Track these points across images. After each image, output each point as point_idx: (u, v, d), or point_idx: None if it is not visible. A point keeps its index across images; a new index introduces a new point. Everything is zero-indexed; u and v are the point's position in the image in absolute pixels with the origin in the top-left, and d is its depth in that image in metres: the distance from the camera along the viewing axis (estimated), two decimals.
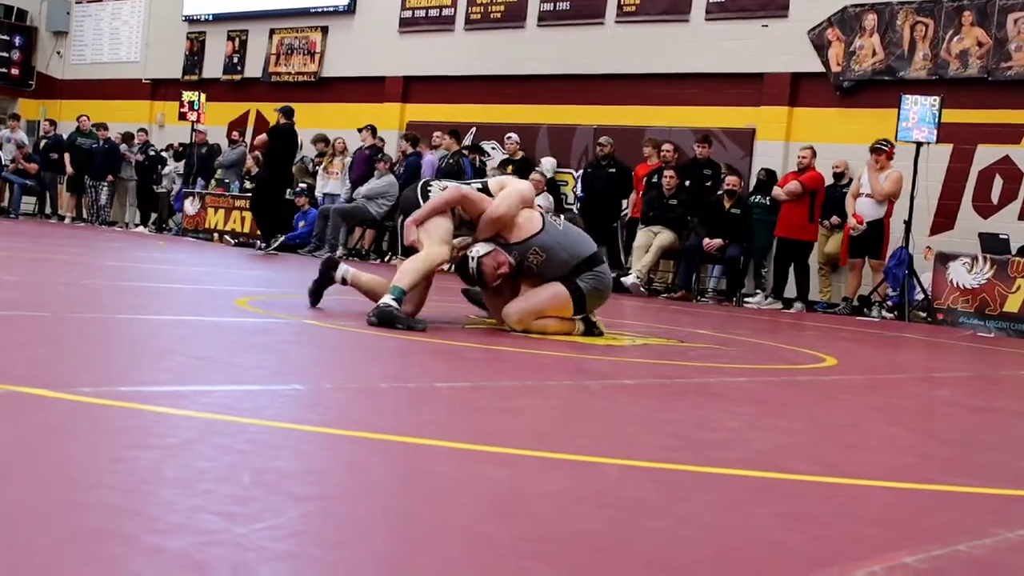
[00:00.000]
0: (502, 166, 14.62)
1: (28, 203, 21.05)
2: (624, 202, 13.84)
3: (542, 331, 5.66)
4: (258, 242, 14.87)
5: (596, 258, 5.89)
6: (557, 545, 1.80)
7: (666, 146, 13.32)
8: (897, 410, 4.39)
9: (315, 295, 6.00)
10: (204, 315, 5.46)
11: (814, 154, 12.25)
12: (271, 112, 19.48)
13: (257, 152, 15.77)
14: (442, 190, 5.79)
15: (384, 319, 5.24)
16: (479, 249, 5.70)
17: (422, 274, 5.58)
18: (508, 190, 5.84)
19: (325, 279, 5.98)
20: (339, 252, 15.17)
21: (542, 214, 5.92)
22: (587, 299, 5.74)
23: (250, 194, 15.65)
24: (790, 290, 12.38)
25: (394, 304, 5.32)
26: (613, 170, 13.62)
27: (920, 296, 11.60)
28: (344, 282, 5.99)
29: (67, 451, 2.15)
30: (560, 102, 15.63)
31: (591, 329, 5.73)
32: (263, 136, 14.25)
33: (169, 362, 3.62)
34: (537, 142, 15.49)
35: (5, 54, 24.23)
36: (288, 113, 14.09)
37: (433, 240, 5.63)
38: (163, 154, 19.51)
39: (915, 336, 9.35)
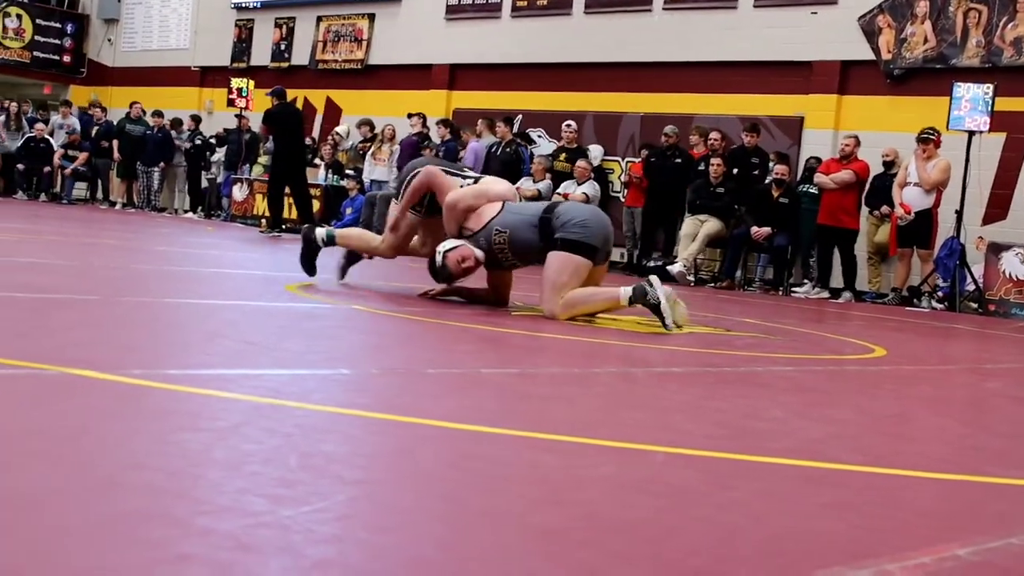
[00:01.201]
0: (557, 154, 14.57)
1: (80, 189, 21.30)
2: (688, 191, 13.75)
3: (587, 310, 5.68)
4: (261, 223, 15.00)
5: (552, 206, 5.96)
6: (608, 533, 1.79)
7: (713, 134, 13.24)
8: (946, 401, 4.35)
9: (309, 264, 6.56)
10: (253, 300, 5.49)
11: (858, 142, 12.10)
12: (319, 99, 19.62)
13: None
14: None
15: (304, 237, 6.53)
16: (446, 245, 5.86)
17: (355, 243, 6.58)
18: (477, 185, 6.12)
19: (310, 248, 6.55)
20: None
21: (504, 202, 6.03)
22: (584, 243, 5.69)
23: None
24: (836, 279, 12.27)
25: (319, 233, 6.50)
26: (679, 160, 13.52)
27: (971, 287, 11.47)
28: (326, 243, 6.51)
29: (115, 432, 2.17)
30: (606, 90, 15.58)
31: (656, 310, 5.50)
32: (263, 126, 14.36)
33: (218, 346, 3.65)
34: (584, 130, 15.44)
35: (57, 41, 24.50)
36: (279, 94, 14.10)
37: (387, 229, 6.36)
38: (211, 140, 19.67)
39: (966, 327, 9.24)
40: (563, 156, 14.40)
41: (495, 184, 6.25)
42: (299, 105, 19.63)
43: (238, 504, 1.71)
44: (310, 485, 1.87)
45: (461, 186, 6.02)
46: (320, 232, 6.50)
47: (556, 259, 5.70)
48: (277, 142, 14.07)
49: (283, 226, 14.41)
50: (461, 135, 15.65)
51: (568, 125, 14.82)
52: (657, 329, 5.50)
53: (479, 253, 5.80)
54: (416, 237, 6.38)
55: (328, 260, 6.61)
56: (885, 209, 12.07)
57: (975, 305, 11.25)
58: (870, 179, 12.21)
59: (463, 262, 5.77)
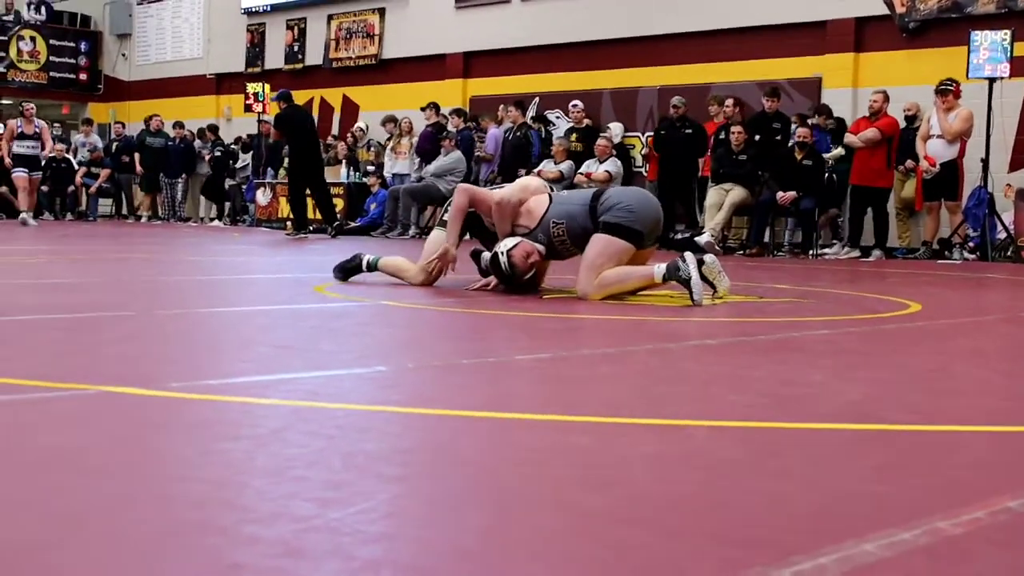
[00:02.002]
0: (568, 135, 14.58)
1: (104, 205, 21.44)
2: (700, 162, 13.70)
3: (621, 290, 5.67)
4: (287, 226, 15.06)
5: (600, 191, 6.00)
6: (655, 511, 1.78)
7: (727, 101, 13.17)
8: (986, 353, 4.31)
9: (343, 274, 6.61)
10: (283, 303, 5.51)
11: (886, 98, 11.95)
12: (336, 98, 19.65)
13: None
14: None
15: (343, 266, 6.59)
16: (506, 244, 5.85)
17: (391, 271, 6.55)
18: (513, 184, 6.31)
19: (353, 267, 6.64)
20: (411, 231, 15.26)
21: (549, 194, 6.10)
22: (628, 228, 5.71)
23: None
24: (867, 238, 12.19)
25: (367, 258, 6.58)
26: (689, 130, 13.47)
27: (1002, 235, 11.37)
28: (369, 268, 6.58)
29: (160, 447, 2.19)
30: (622, 66, 15.52)
31: (687, 285, 5.43)
32: (274, 131, 14.42)
33: (252, 352, 3.66)
34: (601, 107, 15.40)
35: (72, 60, 24.66)
36: (285, 97, 14.14)
37: (423, 257, 6.33)
38: (233, 147, 19.74)
39: (999, 276, 9.16)
40: (574, 136, 14.38)
41: (529, 180, 6.37)
42: (316, 105, 19.68)
43: (285, 510, 1.71)
44: (355, 485, 1.88)
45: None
46: (367, 258, 6.63)
47: (598, 242, 5.73)
48: (291, 144, 14.12)
49: (309, 227, 14.44)
50: (480, 122, 15.64)
51: (574, 105, 14.79)
52: (687, 303, 5.47)
53: (540, 247, 5.85)
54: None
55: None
56: (910, 164, 11.97)
57: (1007, 253, 11.15)
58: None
59: (528, 257, 5.80)
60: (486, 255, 6.04)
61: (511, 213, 6.00)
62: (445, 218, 6.30)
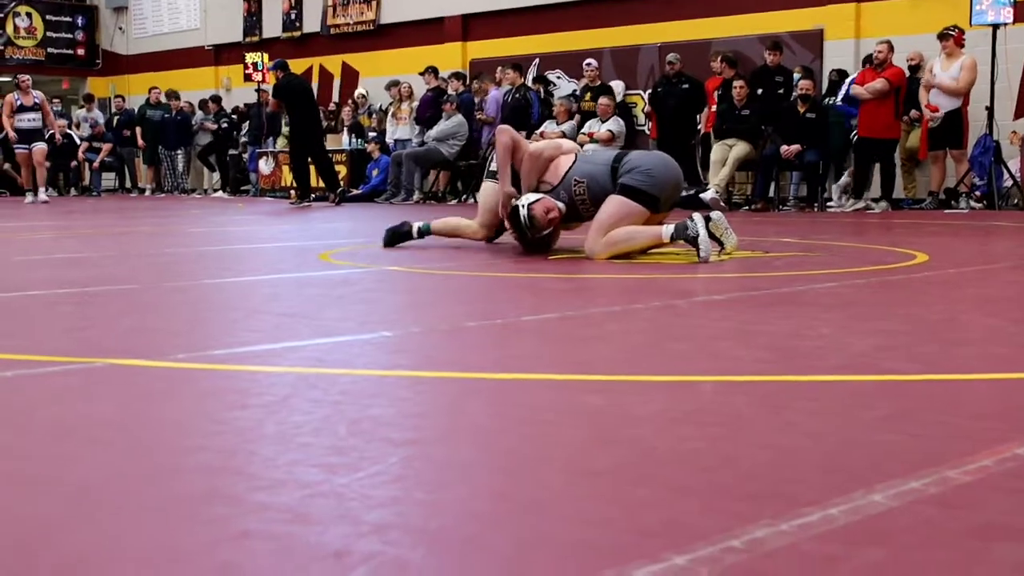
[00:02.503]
0: (583, 94, 14.44)
1: (108, 179, 21.43)
2: (699, 117, 13.63)
3: (629, 249, 5.66)
4: (291, 195, 15.02)
5: (622, 154, 6.02)
6: (663, 467, 1.78)
7: (714, 65, 13.11)
8: (994, 301, 4.30)
9: (392, 240, 6.55)
10: (288, 272, 5.51)
11: (891, 48, 11.78)
12: (335, 65, 19.57)
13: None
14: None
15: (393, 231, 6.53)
16: (528, 198, 5.85)
17: (450, 231, 6.61)
18: (549, 140, 6.45)
19: (402, 235, 6.57)
20: (415, 196, 15.24)
21: (575, 154, 6.13)
22: (645, 192, 5.73)
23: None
24: (875, 190, 12.14)
25: (416, 225, 6.51)
26: (686, 86, 13.40)
27: (1008, 183, 11.32)
28: (421, 233, 6.54)
29: (167, 417, 2.19)
30: (621, 23, 15.43)
31: (695, 242, 5.45)
32: (273, 101, 14.37)
33: (258, 322, 3.66)
34: (602, 66, 15.30)
35: (69, 35, 24.56)
36: (282, 66, 14.09)
37: (481, 210, 6.44)
38: (233, 117, 19.68)
39: (1006, 224, 9.13)
40: (588, 96, 14.30)
41: (564, 140, 6.49)
42: (315, 72, 19.60)
43: (292, 477, 1.72)
44: (362, 451, 1.88)
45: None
46: (417, 224, 6.59)
47: (612, 203, 5.74)
48: (290, 114, 14.08)
49: (312, 195, 14.42)
50: (480, 85, 15.57)
51: (588, 64, 14.68)
52: (694, 259, 5.47)
53: (561, 205, 5.85)
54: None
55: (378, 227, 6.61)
56: (914, 113, 11.90)
57: (1015, 201, 11.11)
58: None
59: (548, 213, 5.79)
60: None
61: (541, 167, 6.01)
62: (492, 168, 6.31)
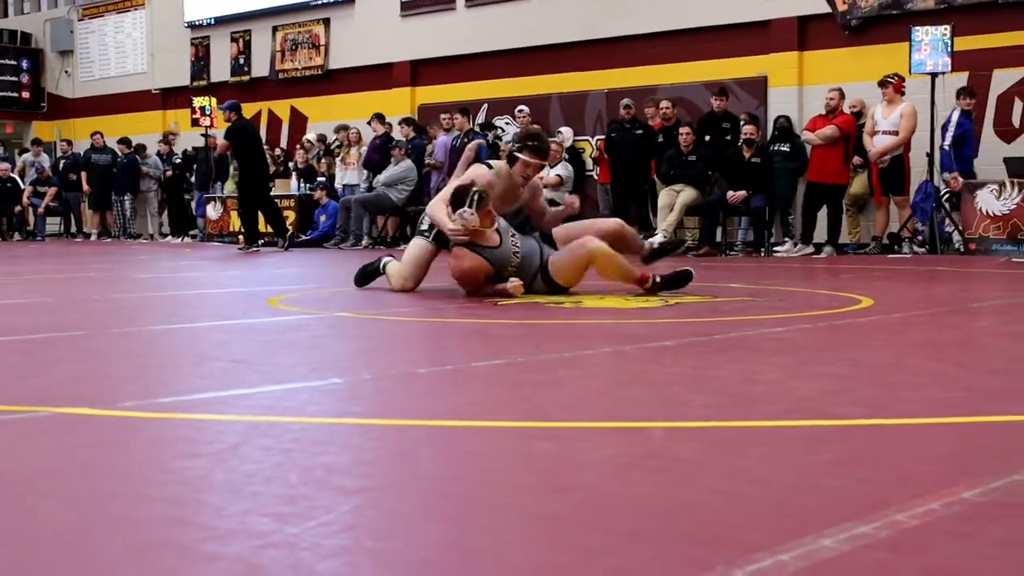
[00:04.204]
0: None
1: (52, 224, 21.20)
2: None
3: (617, 266, 6.11)
4: (239, 240, 14.89)
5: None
6: (614, 514, 1.79)
7: (664, 103, 13.23)
8: (938, 345, 4.36)
9: (362, 279, 6.82)
10: (237, 318, 5.48)
11: (842, 95, 11.98)
12: (283, 110, 19.55)
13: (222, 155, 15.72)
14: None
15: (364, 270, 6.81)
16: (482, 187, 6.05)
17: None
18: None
19: (373, 272, 6.80)
20: (364, 242, 15.21)
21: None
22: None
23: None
24: (819, 235, 12.28)
25: (382, 262, 6.73)
26: (640, 131, 13.48)
27: (950, 228, 11.50)
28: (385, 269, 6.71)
29: (115, 467, 2.16)
30: (569, 70, 15.56)
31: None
32: (223, 142, 14.25)
33: (207, 368, 3.63)
34: (550, 112, 15.42)
35: (14, 78, 24.36)
36: (235, 108, 14.04)
37: (405, 264, 6.59)
38: (181, 160, 19.54)
39: (949, 268, 9.27)
40: None
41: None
42: (264, 117, 19.58)
43: (243, 526, 1.70)
44: (313, 499, 1.87)
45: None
46: (384, 260, 6.82)
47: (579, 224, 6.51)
48: (239, 157, 13.99)
49: (260, 240, 14.34)
50: (428, 130, 15.63)
51: (520, 110, 14.83)
52: (643, 304, 5.50)
53: (500, 221, 6.14)
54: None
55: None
56: (857, 160, 12.09)
57: (956, 245, 11.28)
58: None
59: (489, 216, 5.99)
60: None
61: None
62: (423, 226, 6.56)
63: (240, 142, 13.76)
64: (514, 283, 5.95)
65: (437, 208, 6.19)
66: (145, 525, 1.73)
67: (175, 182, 19.28)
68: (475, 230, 5.87)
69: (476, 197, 5.84)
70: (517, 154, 6.27)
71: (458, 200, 5.91)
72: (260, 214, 14.35)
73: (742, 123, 12.65)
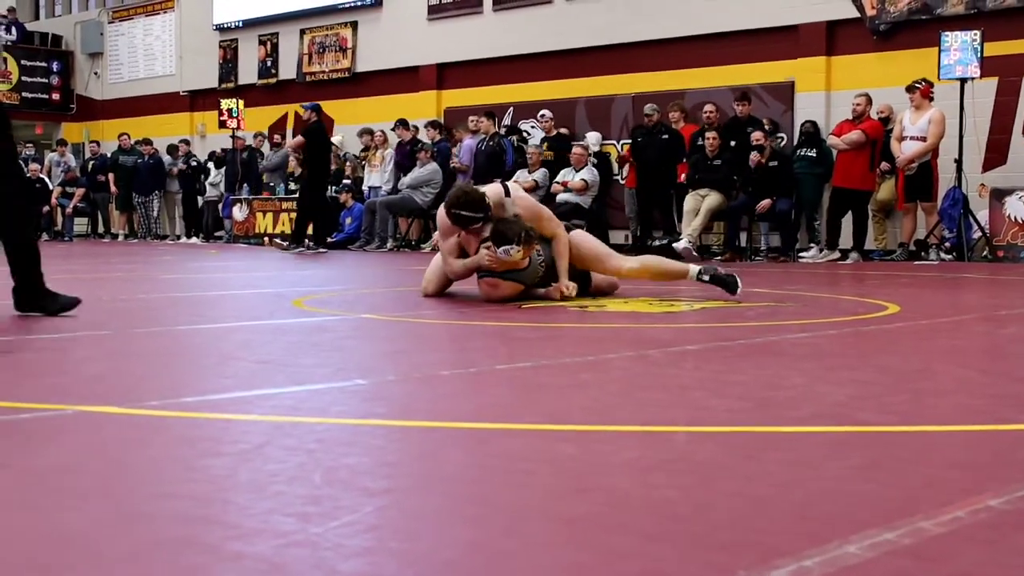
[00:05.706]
0: (541, 144, 14.60)
1: (80, 224, 21.34)
2: (678, 168, 13.70)
3: (660, 272, 6.31)
4: (287, 243, 14.76)
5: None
6: (637, 516, 1.79)
7: (708, 107, 13.18)
8: (965, 352, 4.33)
9: None
10: (263, 319, 5.50)
11: (869, 101, 11.93)
12: None
13: (295, 154, 15.75)
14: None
15: None
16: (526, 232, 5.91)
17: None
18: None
19: None
20: (389, 244, 15.23)
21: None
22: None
23: (297, 196, 15.64)
24: (845, 240, 12.23)
25: None
26: (666, 136, 13.45)
27: (977, 235, 11.43)
28: None
29: (140, 465, 2.17)
30: (595, 74, 15.55)
31: (724, 280, 6.09)
32: (299, 138, 14.21)
33: (232, 368, 3.65)
34: (576, 116, 15.42)
35: (44, 80, 24.54)
36: (317, 109, 14.07)
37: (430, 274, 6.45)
38: (208, 164, 19.66)
39: (976, 275, 9.22)
40: (545, 145, 14.46)
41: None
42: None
43: (267, 525, 1.71)
44: (337, 500, 1.87)
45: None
46: None
47: (581, 236, 6.36)
48: (311, 159, 13.90)
49: (307, 242, 14.18)
50: (454, 133, 15.66)
51: (543, 115, 14.84)
52: (667, 309, 5.49)
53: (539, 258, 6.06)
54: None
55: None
56: (884, 166, 12.03)
57: (984, 252, 11.21)
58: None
59: (526, 256, 5.91)
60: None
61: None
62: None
63: (315, 143, 13.78)
64: (569, 286, 6.02)
65: (449, 264, 6.14)
66: (170, 523, 1.73)
67: (189, 183, 19.41)
68: (511, 261, 5.82)
69: (523, 235, 5.77)
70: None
71: (500, 237, 5.80)
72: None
73: (766, 129, 12.63)
